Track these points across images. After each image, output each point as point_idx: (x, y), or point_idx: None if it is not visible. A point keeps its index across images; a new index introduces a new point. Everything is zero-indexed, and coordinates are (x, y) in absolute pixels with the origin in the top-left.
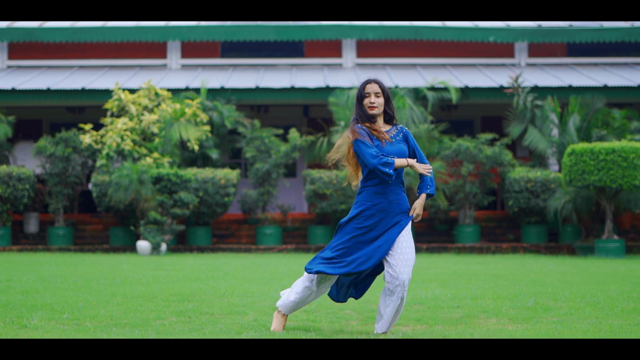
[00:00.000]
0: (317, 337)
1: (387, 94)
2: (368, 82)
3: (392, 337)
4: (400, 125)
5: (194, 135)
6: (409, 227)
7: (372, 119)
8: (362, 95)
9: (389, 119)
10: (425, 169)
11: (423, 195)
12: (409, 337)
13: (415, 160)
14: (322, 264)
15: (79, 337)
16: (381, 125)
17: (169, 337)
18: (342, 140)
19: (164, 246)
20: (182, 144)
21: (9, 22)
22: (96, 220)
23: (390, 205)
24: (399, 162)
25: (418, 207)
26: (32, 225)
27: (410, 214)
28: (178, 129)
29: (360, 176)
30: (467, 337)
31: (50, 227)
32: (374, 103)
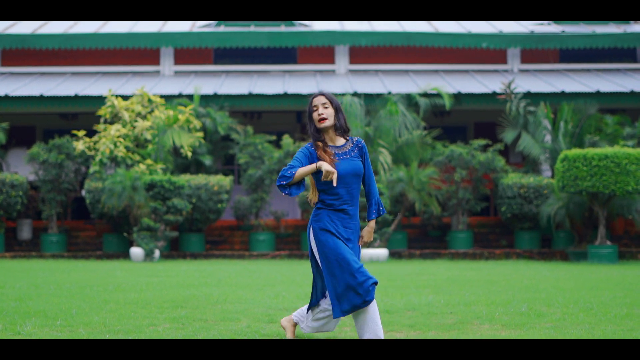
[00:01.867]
0: (310, 338)
1: (337, 105)
2: (314, 95)
3: (385, 339)
4: (357, 138)
5: (187, 142)
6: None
7: (323, 132)
8: (310, 110)
9: (342, 131)
10: (330, 172)
11: (372, 222)
12: (402, 338)
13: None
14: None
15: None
16: (334, 139)
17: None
18: None
19: (157, 253)
20: (175, 151)
21: (2, 28)
22: (89, 226)
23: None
24: (303, 170)
25: (366, 234)
26: (25, 231)
27: (360, 243)
28: (171, 135)
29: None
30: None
31: (43, 234)
32: (322, 114)
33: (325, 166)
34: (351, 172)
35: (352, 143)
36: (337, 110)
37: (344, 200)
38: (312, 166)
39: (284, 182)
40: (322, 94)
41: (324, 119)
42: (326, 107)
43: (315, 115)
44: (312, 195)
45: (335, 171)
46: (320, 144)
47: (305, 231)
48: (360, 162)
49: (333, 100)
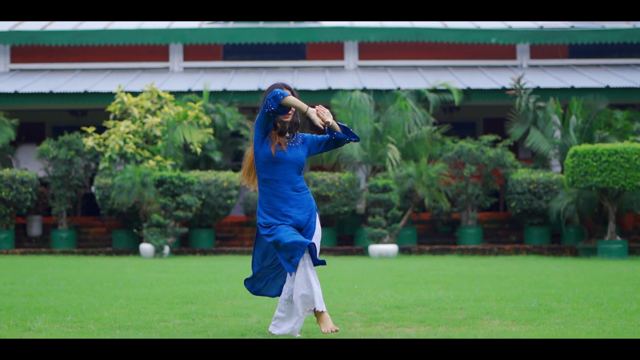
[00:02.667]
0: (321, 338)
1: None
2: (280, 87)
3: (396, 338)
4: (297, 133)
5: (196, 138)
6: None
7: (284, 127)
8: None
9: (296, 125)
10: (322, 112)
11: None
12: (412, 339)
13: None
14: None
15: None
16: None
17: (173, 338)
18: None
19: (167, 249)
20: (185, 147)
21: (11, 25)
22: (99, 223)
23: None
24: (295, 101)
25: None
26: (35, 228)
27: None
28: (181, 131)
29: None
30: (470, 337)
31: (53, 230)
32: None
33: (312, 111)
34: (296, 160)
35: (295, 137)
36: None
37: (286, 183)
38: (303, 105)
39: (274, 106)
40: (287, 87)
41: (289, 114)
42: None
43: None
44: (248, 181)
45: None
46: (279, 125)
47: None
48: (302, 151)
49: (295, 95)
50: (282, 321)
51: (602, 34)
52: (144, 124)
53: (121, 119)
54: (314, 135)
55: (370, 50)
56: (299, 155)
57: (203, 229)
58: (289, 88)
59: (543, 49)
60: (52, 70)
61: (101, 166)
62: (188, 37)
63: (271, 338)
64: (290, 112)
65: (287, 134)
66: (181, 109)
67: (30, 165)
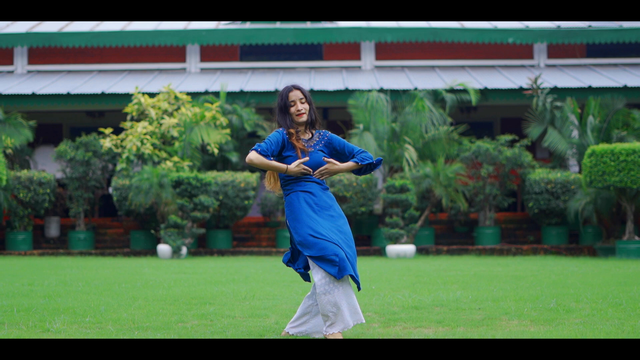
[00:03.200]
0: (339, 338)
1: (310, 99)
2: (289, 89)
3: (414, 338)
4: (324, 131)
5: (213, 139)
6: None
7: (296, 124)
8: (286, 104)
9: (312, 124)
10: (300, 168)
11: (349, 163)
12: (430, 339)
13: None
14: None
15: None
16: (302, 132)
17: (190, 338)
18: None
19: (184, 250)
20: (202, 148)
21: (29, 27)
22: (117, 224)
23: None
24: (271, 164)
25: (332, 165)
26: (53, 229)
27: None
28: (198, 132)
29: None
30: (489, 338)
31: (71, 231)
32: (300, 110)
33: (292, 168)
34: (317, 165)
35: (320, 136)
36: (310, 104)
37: (311, 185)
38: (282, 167)
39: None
40: (298, 88)
41: (302, 113)
42: (302, 102)
43: (293, 109)
44: (271, 185)
45: (306, 159)
46: (293, 131)
47: None
48: (321, 154)
49: (307, 94)
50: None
51: (619, 34)
52: (161, 125)
53: (138, 120)
54: (342, 142)
55: (387, 50)
56: (319, 160)
57: (220, 230)
58: (299, 89)
59: (560, 49)
60: (70, 71)
61: (118, 167)
62: (205, 38)
63: (289, 338)
64: (303, 110)
65: (307, 136)
66: (198, 110)
67: (48, 167)
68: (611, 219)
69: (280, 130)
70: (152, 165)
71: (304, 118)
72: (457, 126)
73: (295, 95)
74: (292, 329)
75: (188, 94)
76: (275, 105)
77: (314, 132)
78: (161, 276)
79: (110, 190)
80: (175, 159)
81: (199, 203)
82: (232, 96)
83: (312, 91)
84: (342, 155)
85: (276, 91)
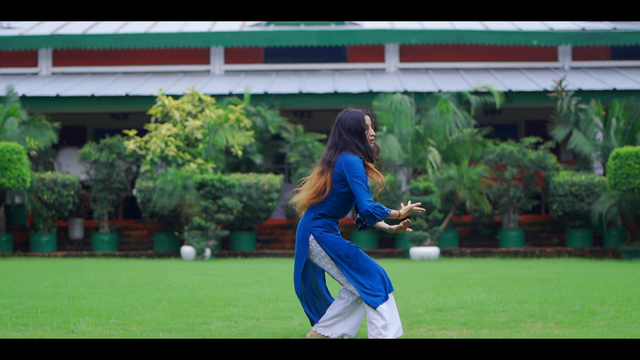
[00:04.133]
0: (364, 338)
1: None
2: (365, 113)
3: (439, 338)
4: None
5: (237, 141)
6: None
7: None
8: (362, 127)
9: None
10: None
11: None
12: (455, 339)
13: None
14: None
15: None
16: None
17: (216, 338)
18: (317, 180)
19: (208, 251)
20: (226, 150)
21: (54, 29)
22: (140, 225)
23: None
24: (393, 212)
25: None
26: (77, 231)
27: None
28: (222, 134)
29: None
30: (514, 338)
31: (94, 233)
32: (373, 135)
33: (403, 213)
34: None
35: None
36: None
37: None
38: (396, 213)
39: (380, 218)
40: (368, 114)
41: (373, 139)
42: (372, 128)
43: (368, 134)
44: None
45: (418, 203)
46: (371, 164)
47: (356, 230)
48: None
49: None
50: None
51: None
52: (185, 127)
53: (162, 122)
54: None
55: (411, 52)
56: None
57: (244, 232)
58: (370, 115)
59: (585, 51)
60: (94, 73)
61: (142, 169)
62: (229, 40)
63: (313, 339)
64: (373, 136)
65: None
66: (222, 112)
67: (72, 169)
68: (635, 221)
69: (359, 160)
70: (176, 167)
71: (373, 144)
72: (481, 128)
73: (369, 120)
74: (322, 329)
75: (212, 96)
76: (346, 127)
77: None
78: (185, 278)
79: (134, 192)
80: (199, 160)
81: (223, 205)
82: (256, 98)
83: (336, 93)
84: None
85: (300, 93)
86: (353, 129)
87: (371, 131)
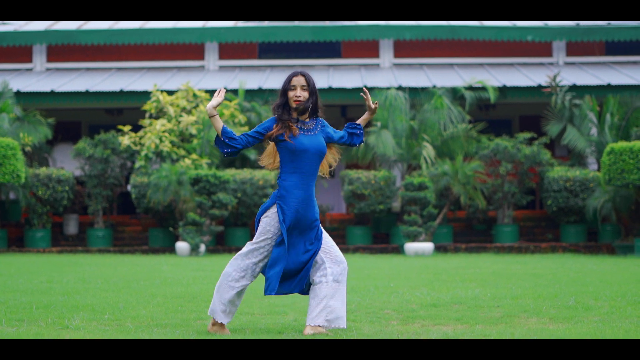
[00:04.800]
0: (358, 337)
1: (313, 87)
2: (294, 74)
3: (433, 337)
4: (319, 118)
5: None
6: None
7: (292, 109)
8: (286, 88)
9: (314, 112)
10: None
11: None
12: (449, 337)
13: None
14: None
15: (120, 337)
16: (303, 115)
17: (211, 338)
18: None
19: (202, 247)
20: None
21: (47, 25)
22: (135, 221)
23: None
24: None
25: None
26: (71, 226)
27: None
28: None
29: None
30: (508, 337)
31: (89, 229)
32: (299, 97)
33: (208, 105)
34: (315, 148)
35: (316, 123)
36: (312, 93)
37: (305, 177)
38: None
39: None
40: (302, 74)
41: (299, 100)
42: (304, 89)
43: (291, 94)
44: (268, 162)
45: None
46: (289, 124)
47: (350, 225)
48: (323, 140)
49: (311, 82)
50: None
51: (638, 31)
52: (179, 122)
53: (157, 118)
54: (332, 128)
55: (406, 48)
56: (321, 143)
57: (239, 227)
58: (304, 75)
59: (579, 46)
60: (88, 69)
61: (137, 165)
62: (224, 35)
63: (307, 337)
64: (301, 97)
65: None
66: None
67: (67, 164)
68: (630, 216)
69: (272, 119)
70: (171, 162)
71: (298, 105)
72: (476, 124)
73: (298, 81)
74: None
75: (207, 91)
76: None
77: (312, 118)
78: (179, 274)
79: (129, 187)
80: (194, 156)
81: (218, 200)
82: (250, 94)
83: (330, 89)
84: (332, 139)
85: None
86: (281, 89)
87: (297, 91)
